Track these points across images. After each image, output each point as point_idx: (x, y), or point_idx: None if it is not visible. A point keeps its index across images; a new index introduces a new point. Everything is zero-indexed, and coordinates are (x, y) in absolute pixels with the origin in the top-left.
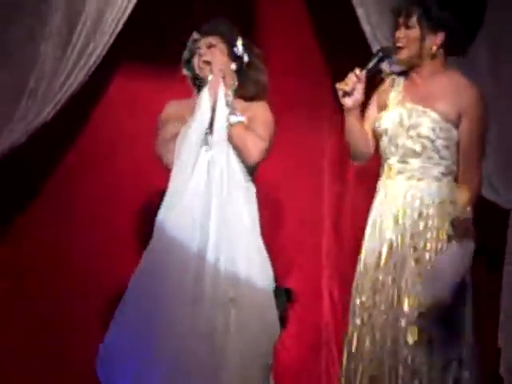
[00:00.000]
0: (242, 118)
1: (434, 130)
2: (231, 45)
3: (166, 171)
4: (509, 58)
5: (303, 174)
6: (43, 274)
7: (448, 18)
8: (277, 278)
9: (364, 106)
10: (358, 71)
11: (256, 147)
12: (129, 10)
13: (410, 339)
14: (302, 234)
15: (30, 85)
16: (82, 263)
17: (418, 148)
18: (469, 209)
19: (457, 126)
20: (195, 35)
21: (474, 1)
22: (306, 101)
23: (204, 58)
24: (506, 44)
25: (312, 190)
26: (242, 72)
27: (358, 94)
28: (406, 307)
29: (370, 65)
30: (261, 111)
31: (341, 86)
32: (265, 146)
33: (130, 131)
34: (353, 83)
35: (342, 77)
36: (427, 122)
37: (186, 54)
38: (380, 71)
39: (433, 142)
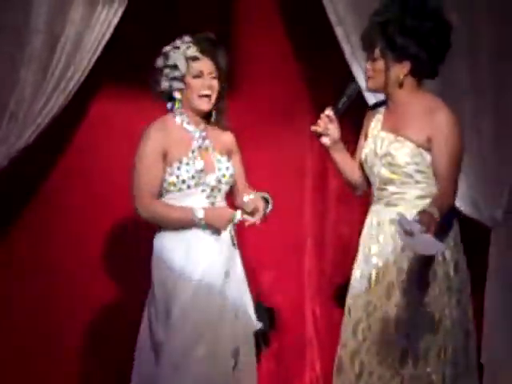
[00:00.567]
0: (251, 196)
1: (403, 156)
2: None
3: None
4: (488, 72)
5: (284, 191)
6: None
7: (411, 47)
8: (260, 297)
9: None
10: (328, 112)
11: None
12: (108, 34)
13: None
14: (284, 252)
15: (10, 108)
16: (71, 271)
17: (391, 175)
18: (436, 209)
19: (428, 149)
20: (197, 54)
21: (438, 27)
22: (287, 116)
23: (207, 93)
24: (487, 58)
25: (293, 209)
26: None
27: (333, 133)
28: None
29: (340, 104)
30: (237, 150)
31: (314, 129)
32: None
33: (110, 153)
34: (325, 124)
35: (320, 89)
36: (397, 149)
37: (179, 64)
38: (352, 105)
39: (404, 168)
